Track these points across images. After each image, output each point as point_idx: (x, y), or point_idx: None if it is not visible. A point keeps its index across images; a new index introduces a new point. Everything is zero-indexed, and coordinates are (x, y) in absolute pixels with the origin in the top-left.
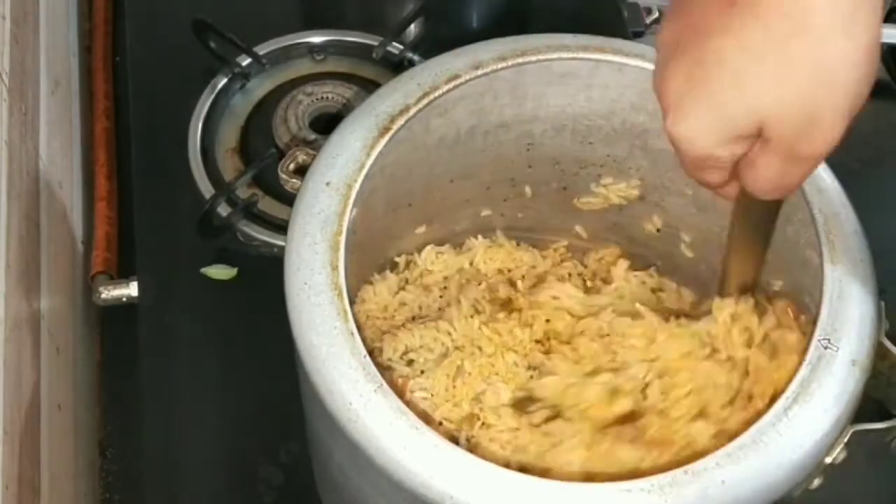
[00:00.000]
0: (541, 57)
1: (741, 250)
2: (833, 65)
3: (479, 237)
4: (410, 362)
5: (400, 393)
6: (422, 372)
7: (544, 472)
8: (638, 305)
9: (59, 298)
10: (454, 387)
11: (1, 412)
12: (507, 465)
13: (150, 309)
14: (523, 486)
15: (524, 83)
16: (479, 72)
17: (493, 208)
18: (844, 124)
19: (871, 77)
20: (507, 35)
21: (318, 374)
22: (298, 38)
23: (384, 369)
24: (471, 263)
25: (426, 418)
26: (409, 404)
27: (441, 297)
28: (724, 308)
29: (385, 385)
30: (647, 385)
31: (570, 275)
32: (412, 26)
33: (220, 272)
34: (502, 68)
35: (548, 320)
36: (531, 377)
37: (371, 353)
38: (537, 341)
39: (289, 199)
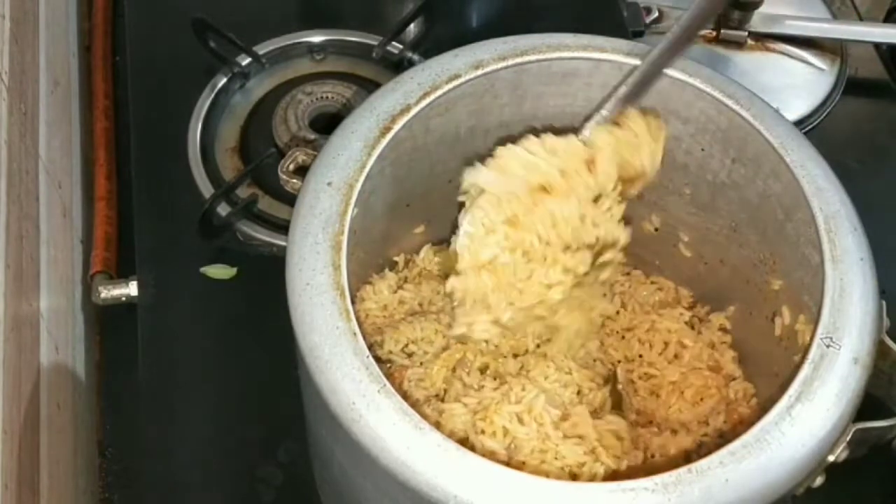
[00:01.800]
0: (541, 57)
1: None
2: None
3: None
4: (410, 355)
5: (395, 382)
6: (420, 364)
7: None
8: None
9: (58, 298)
10: (452, 378)
11: (1, 411)
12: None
13: (150, 308)
14: (527, 485)
15: (524, 83)
16: (479, 72)
17: None
18: None
19: None
20: (507, 35)
21: (320, 374)
22: (298, 38)
23: (382, 362)
24: None
25: (421, 410)
26: (405, 395)
27: (439, 293)
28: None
29: (388, 385)
30: None
31: None
32: (412, 26)
33: (220, 272)
34: (502, 68)
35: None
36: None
37: (370, 347)
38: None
39: (288, 199)
